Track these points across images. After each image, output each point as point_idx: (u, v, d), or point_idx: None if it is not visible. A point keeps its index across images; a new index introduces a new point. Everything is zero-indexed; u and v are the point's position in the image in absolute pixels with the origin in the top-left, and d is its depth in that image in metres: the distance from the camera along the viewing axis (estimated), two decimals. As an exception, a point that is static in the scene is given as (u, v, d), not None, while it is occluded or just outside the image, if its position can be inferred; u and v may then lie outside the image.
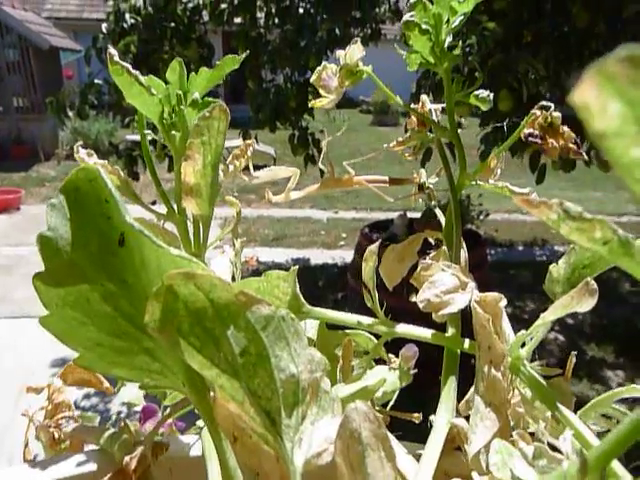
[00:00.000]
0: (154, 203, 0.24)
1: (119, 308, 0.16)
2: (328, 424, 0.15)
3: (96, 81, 3.31)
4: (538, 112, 0.26)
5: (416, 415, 0.27)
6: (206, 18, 3.38)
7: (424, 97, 0.31)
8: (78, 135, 7.74)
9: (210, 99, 0.24)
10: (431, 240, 0.30)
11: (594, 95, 0.09)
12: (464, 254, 0.27)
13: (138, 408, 0.59)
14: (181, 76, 0.23)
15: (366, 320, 0.23)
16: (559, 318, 0.26)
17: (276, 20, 3.43)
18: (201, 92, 0.24)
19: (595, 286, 0.18)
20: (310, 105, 0.29)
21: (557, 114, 0.26)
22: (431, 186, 0.33)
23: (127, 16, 3.24)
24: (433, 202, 0.32)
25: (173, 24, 3.26)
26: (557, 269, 0.23)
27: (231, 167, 0.26)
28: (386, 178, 0.32)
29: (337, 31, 3.31)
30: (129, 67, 0.21)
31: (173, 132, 0.23)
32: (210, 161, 0.21)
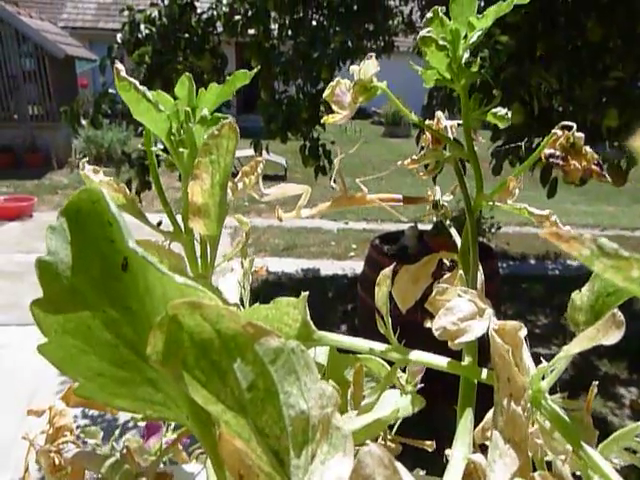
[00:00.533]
0: (161, 223, 0.23)
1: (122, 336, 0.15)
2: (339, 463, 0.14)
3: (110, 90, 3.35)
4: (559, 132, 0.25)
5: (429, 443, 0.26)
6: (220, 29, 3.42)
7: (439, 114, 0.30)
8: (91, 144, 7.84)
9: (219, 115, 0.24)
10: (446, 261, 0.29)
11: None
12: (481, 277, 0.26)
13: (142, 423, 0.58)
14: (190, 91, 0.23)
15: (379, 346, 0.22)
16: (572, 333, 0.25)
17: (289, 32, 3.47)
18: (211, 108, 0.23)
19: (622, 318, 0.17)
20: (322, 121, 0.28)
21: (580, 135, 0.25)
22: (446, 204, 0.32)
23: (142, 27, 3.28)
24: (448, 221, 0.31)
25: (187, 35, 3.30)
26: (580, 297, 0.22)
27: (240, 184, 0.25)
28: (400, 197, 0.31)
29: (350, 43, 3.34)
30: (136, 83, 0.21)
31: (181, 149, 0.22)
32: (218, 180, 0.20)
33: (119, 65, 0.21)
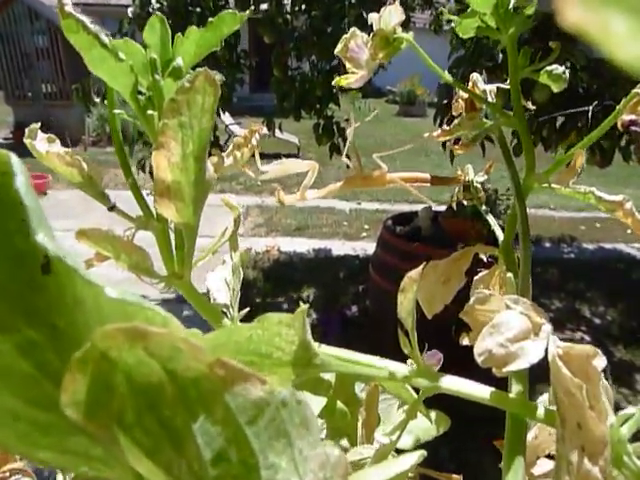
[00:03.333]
0: (114, 207, 0.19)
1: (44, 365, 0.11)
2: None
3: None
4: None
5: (456, 477, 0.21)
6: (232, 3, 3.34)
7: (476, 75, 0.25)
8: (104, 122, 7.83)
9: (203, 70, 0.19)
10: (483, 256, 0.24)
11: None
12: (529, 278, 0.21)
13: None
14: (163, 38, 0.18)
15: (401, 369, 0.17)
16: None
17: (303, 6, 3.37)
18: (191, 60, 0.18)
19: None
20: (334, 83, 0.23)
21: None
22: (479, 185, 0.27)
23: (153, 1, 3.21)
24: (484, 207, 0.26)
25: (199, 9, 3.22)
26: None
27: (230, 159, 0.21)
28: (427, 176, 0.26)
29: (365, 17, 3.23)
30: (87, 22, 0.16)
31: (150, 111, 0.18)
32: (192, 151, 0.15)
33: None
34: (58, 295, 0.11)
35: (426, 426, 0.21)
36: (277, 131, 3.57)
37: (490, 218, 0.26)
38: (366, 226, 5.50)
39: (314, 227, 5.47)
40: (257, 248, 4.58)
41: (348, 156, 0.34)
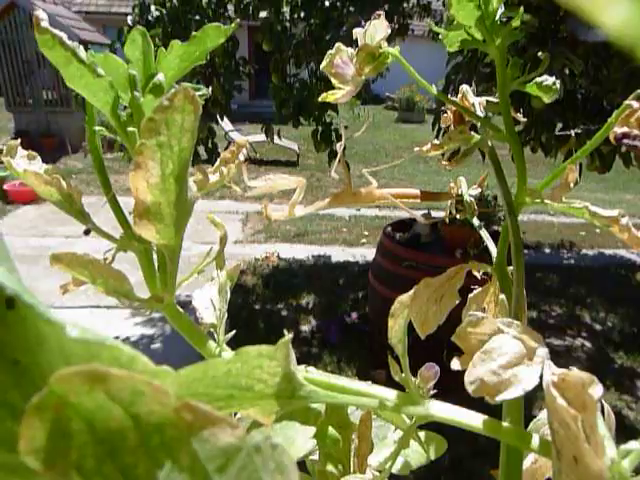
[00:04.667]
0: (89, 232, 0.18)
1: (7, 404, 0.10)
2: None
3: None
4: (635, 104, 0.19)
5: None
6: (231, 11, 3.35)
7: (466, 87, 0.24)
8: (105, 128, 7.84)
9: (188, 84, 0.18)
10: (476, 273, 0.24)
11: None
12: (524, 300, 0.20)
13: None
14: (145, 52, 0.17)
15: (393, 397, 0.16)
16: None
17: (301, 13, 3.38)
18: (174, 74, 0.18)
19: None
20: (320, 99, 0.23)
21: None
22: (472, 199, 0.26)
23: (152, 8, 3.23)
24: (476, 220, 0.26)
25: (198, 17, 3.23)
26: None
27: (215, 176, 0.20)
28: (417, 192, 0.25)
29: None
30: (63, 37, 0.15)
31: (130, 128, 0.17)
32: (172, 171, 0.14)
33: (40, 13, 0.15)
34: (21, 331, 0.10)
35: (420, 451, 0.20)
36: (276, 138, 3.58)
37: (483, 232, 0.25)
38: (366, 232, 5.50)
39: (313, 233, 5.46)
40: (256, 254, 4.58)
41: (335, 174, 0.34)
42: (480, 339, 0.16)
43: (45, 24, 0.15)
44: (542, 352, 0.15)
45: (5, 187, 5.79)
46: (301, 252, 4.93)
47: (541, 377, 0.15)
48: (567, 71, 2.17)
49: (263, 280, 4.29)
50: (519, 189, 0.21)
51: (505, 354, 0.15)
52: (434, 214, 3.29)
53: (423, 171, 7.56)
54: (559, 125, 2.34)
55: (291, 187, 0.25)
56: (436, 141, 0.24)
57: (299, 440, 0.15)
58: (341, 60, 0.22)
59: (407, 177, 7.07)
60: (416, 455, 0.21)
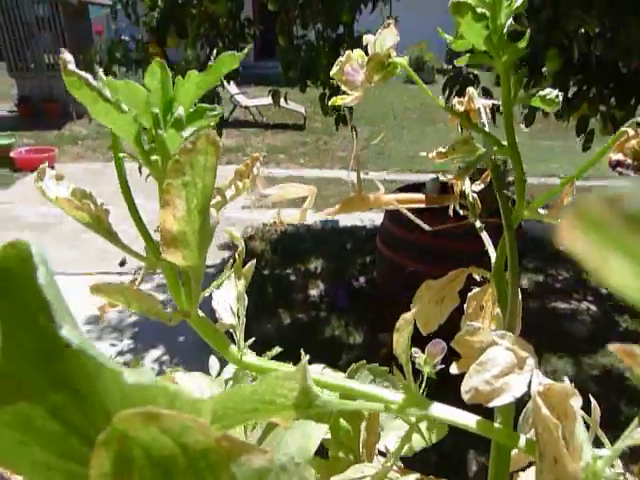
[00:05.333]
0: (124, 263, 0.20)
1: (71, 424, 0.12)
2: None
3: (123, 37, 3.26)
4: (631, 131, 0.20)
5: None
6: (235, -29, 3.25)
7: (471, 90, 0.25)
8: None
9: (204, 105, 0.19)
10: (477, 276, 0.25)
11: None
12: (519, 299, 0.22)
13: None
14: (164, 82, 0.18)
15: (397, 399, 0.18)
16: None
17: (308, -29, 3.28)
18: (191, 100, 0.19)
19: None
20: (330, 103, 0.24)
21: None
22: (475, 195, 0.27)
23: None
24: (478, 223, 0.27)
25: (199, -23, 3.14)
26: None
27: (231, 191, 0.21)
28: (422, 197, 0.26)
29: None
30: (89, 79, 0.16)
31: (154, 157, 0.18)
32: (197, 205, 0.16)
33: (67, 55, 0.16)
34: (77, 365, 0.12)
35: (419, 438, 0.22)
36: (282, 101, 3.52)
37: (484, 235, 0.26)
38: (373, 196, 5.48)
39: (321, 198, 5.45)
40: (264, 220, 4.59)
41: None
42: (476, 346, 0.18)
43: (72, 67, 0.16)
44: (531, 362, 0.17)
45: (12, 154, 5.78)
46: (309, 217, 4.93)
47: (530, 384, 0.16)
48: (582, 32, 2.10)
49: (271, 245, 4.32)
50: (518, 202, 0.22)
51: (498, 365, 0.17)
52: (442, 179, 3.27)
53: (431, 133, 7.44)
54: (572, 89, 2.28)
55: (303, 195, 0.27)
56: (442, 149, 0.25)
57: (315, 436, 0.17)
58: (351, 68, 0.23)
59: (415, 140, 6.97)
60: (419, 439, 0.23)
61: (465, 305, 0.25)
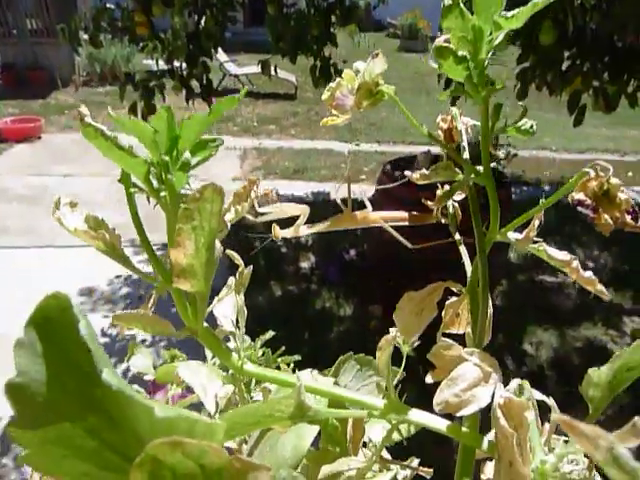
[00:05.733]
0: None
1: (106, 441, 0.14)
2: None
3: (108, 5, 3.16)
4: (592, 172, 0.22)
5: (427, 470, 0.26)
6: None
7: (454, 110, 0.27)
8: (94, 61, 7.54)
9: (208, 138, 0.21)
10: (454, 289, 0.28)
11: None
12: (490, 310, 0.24)
13: (148, 377, 0.60)
14: (170, 123, 0.20)
15: (379, 404, 0.21)
16: (580, 260, 0.24)
17: None
18: (195, 137, 0.21)
19: None
20: (321, 124, 0.25)
21: (616, 181, 0.22)
22: (455, 205, 0.29)
23: None
24: (457, 236, 0.29)
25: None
26: (598, 374, 0.20)
27: (230, 214, 0.23)
28: (405, 215, 0.28)
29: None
30: (104, 129, 0.18)
31: (163, 193, 0.20)
32: (204, 243, 0.18)
33: (83, 110, 0.18)
34: (111, 394, 0.14)
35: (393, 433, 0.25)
36: (273, 71, 3.46)
37: (462, 249, 0.28)
38: (365, 168, 5.46)
39: (312, 170, 5.43)
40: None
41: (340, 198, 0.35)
42: (449, 359, 0.20)
43: (88, 119, 0.18)
44: (495, 376, 0.20)
45: (-3, 125, 5.66)
46: (300, 189, 4.92)
47: (494, 395, 0.19)
48: (578, 2, 2.08)
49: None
50: (491, 227, 0.24)
51: (466, 380, 0.19)
52: (434, 151, 3.28)
53: (425, 103, 7.37)
54: (566, 63, 2.27)
55: (297, 214, 0.29)
56: (425, 172, 0.27)
57: (308, 436, 0.20)
58: (341, 94, 0.24)
59: (408, 110, 6.89)
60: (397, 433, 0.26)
61: (443, 312, 0.28)
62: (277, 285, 3.46)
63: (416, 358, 0.36)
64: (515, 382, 0.33)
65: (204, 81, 3.23)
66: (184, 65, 3.16)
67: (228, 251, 0.26)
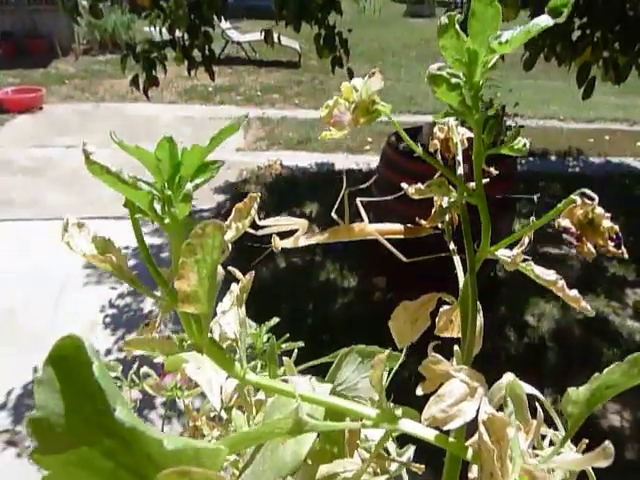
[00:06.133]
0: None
1: (121, 462, 0.16)
2: None
3: (107, -28, 3.08)
4: (579, 200, 0.22)
5: (418, 466, 0.28)
6: None
7: (451, 121, 0.27)
8: (94, 28, 7.39)
9: (209, 161, 0.22)
10: (447, 299, 0.29)
11: None
12: (480, 322, 0.25)
13: (158, 359, 0.63)
14: (172, 153, 0.21)
15: (372, 414, 0.22)
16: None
17: None
18: (195, 167, 0.21)
19: (612, 450, 0.17)
20: (320, 137, 0.26)
21: (599, 210, 0.22)
22: (450, 218, 0.30)
23: None
24: (452, 246, 0.30)
25: None
26: (577, 393, 0.21)
27: (230, 232, 0.24)
28: (401, 227, 0.29)
29: None
30: (109, 167, 0.19)
31: (167, 220, 0.21)
32: (207, 274, 0.19)
33: (89, 147, 0.19)
34: (125, 429, 0.15)
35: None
36: (276, 38, 3.38)
37: (456, 260, 0.29)
38: (369, 139, 5.40)
39: (316, 140, 5.37)
40: (259, 162, 4.55)
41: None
42: (438, 373, 0.21)
43: (94, 157, 0.19)
44: (481, 390, 0.21)
45: (-1, 95, 5.60)
46: (304, 159, 4.88)
47: (479, 409, 0.20)
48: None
49: (266, 188, 4.31)
50: (483, 244, 0.25)
51: (453, 396, 0.21)
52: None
53: (430, 72, 7.18)
54: (576, 34, 2.21)
55: (296, 227, 0.30)
56: (421, 186, 0.28)
57: (306, 442, 0.22)
58: (339, 111, 0.25)
59: (413, 78, 6.76)
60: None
61: (437, 319, 0.29)
62: (281, 257, 3.48)
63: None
64: (506, 377, 0.34)
65: (206, 51, 3.18)
66: (186, 36, 3.10)
67: (229, 268, 0.27)
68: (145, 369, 0.66)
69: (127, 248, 3.46)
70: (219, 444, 0.17)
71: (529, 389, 0.34)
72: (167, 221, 0.21)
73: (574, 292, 0.24)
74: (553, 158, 5.10)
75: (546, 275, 0.25)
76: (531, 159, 4.92)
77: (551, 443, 0.29)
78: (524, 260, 0.25)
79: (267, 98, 6.75)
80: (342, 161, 4.96)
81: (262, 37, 3.29)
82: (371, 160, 4.71)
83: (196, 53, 3.17)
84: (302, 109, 6.39)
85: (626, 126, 5.72)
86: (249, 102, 6.55)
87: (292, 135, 5.61)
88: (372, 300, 2.99)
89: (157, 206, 0.21)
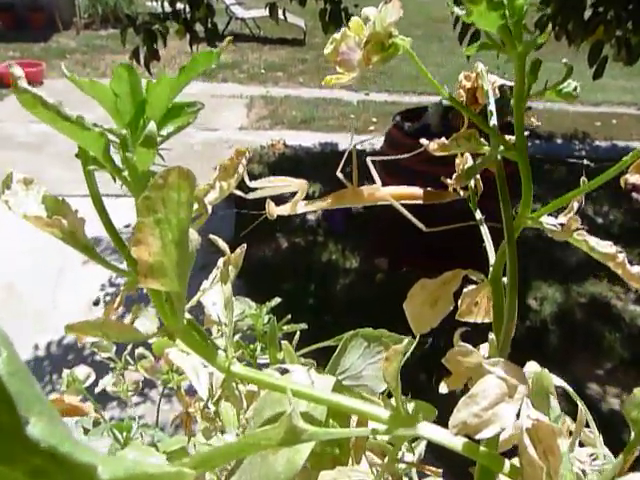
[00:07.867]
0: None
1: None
2: None
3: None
4: None
5: (435, 470, 0.24)
6: None
7: (480, 67, 0.23)
8: (96, 2, 7.24)
9: (181, 102, 0.17)
10: (473, 277, 0.24)
11: None
12: (515, 314, 0.21)
13: (153, 340, 0.59)
14: (133, 86, 0.16)
15: (384, 415, 0.18)
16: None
17: None
18: (165, 103, 0.17)
19: None
20: (324, 83, 0.21)
21: None
22: (477, 177, 0.26)
23: None
24: (478, 215, 0.25)
25: None
26: None
27: (213, 193, 0.20)
28: (420, 192, 0.24)
29: None
30: (42, 96, 0.14)
31: (125, 173, 0.17)
32: (172, 239, 0.14)
33: (16, 70, 0.14)
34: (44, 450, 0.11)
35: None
36: (281, 14, 3.30)
37: (484, 230, 0.25)
38: (374, 119, 5.32)
39: (320, 120, 5.29)
40: (262, 142, 4.47)
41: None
42: (467, 366, 0.17)
43: (22, 83, 0.14)
44: (522, 389, 0.17)
45: (-3, 69, 5.50)
46: (308, 139, 4.81)
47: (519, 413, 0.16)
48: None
49: (269, 168, 4.25)
50: (522, 209, 0.21)
51: (488, 397, 0.16)
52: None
53: (437, 51, 7.06)
54: (588, 12, 2.13)
55: (293, 190, 0.25)
56: (445, 141, 0.23)
57: (303, 450, 0.18)
58: (347, 47, 0.20)
59: (420, 58, 6.56)
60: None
61: (459, 301, 0.25)
62: (283, 237, 3.44)
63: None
64: (531, 366, 0.30)
65: (209, 25, 3.09)
66: (188, 8, 3.02)
67: (211, 236, 0.22)
68: (141, 350, 0.63)
69: (128, 227, 3.42)
70: (184, 464, 0.13)
71: (558, 381, 0.30)
72: (125, 174, 0.17)
73: (637, 269, 0.20)
74: (559, 141, 5.02)
75: (603, 247, 0.20)
76: (537, 142, 4.84)
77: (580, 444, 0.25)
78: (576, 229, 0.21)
79: (271, 76, 6.64)
80: (346, 141, 4.89)
81: (267, 13, 3.20)
82: (375, 142, 4.63)
83: (199, 28, 3.08)
84: (306, 88, 6.29)
85: (634, 110, 5.61)
86: (252, 80, 6.45)
87: (296, 114, 5.53)
88: (374, 282, 2.96)
89: (117, 158, 0.16)
